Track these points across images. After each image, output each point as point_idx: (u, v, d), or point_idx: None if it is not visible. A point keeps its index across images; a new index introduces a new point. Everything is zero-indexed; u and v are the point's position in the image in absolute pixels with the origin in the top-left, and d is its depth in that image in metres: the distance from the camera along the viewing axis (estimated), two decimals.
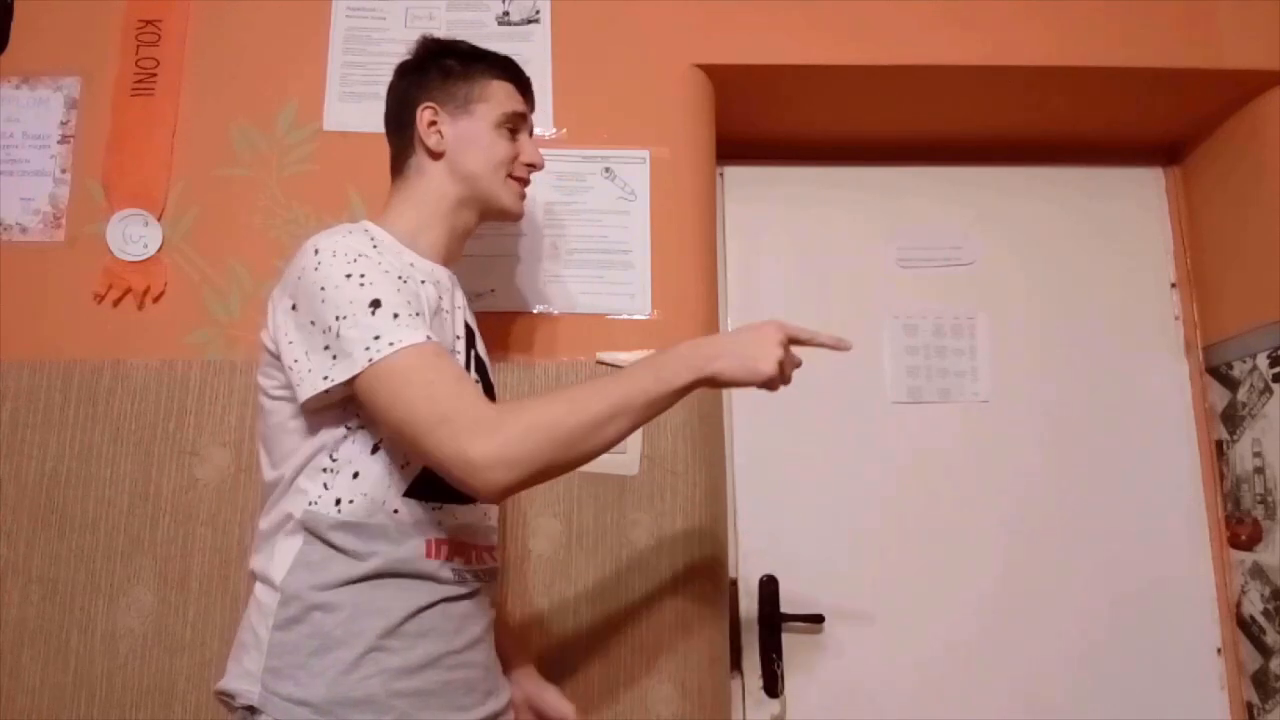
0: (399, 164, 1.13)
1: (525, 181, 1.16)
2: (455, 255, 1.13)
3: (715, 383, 0.96)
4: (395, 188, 1.13)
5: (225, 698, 0.95)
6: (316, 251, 0.95)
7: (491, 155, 1.11)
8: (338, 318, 0.91)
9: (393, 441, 0.96)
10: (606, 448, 0.92)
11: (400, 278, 0.96)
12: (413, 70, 1.15)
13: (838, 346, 1.03)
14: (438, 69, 1.12)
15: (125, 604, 1.31)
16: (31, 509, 1.33)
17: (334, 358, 0.91)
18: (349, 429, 0.96)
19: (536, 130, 1.28)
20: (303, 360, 0.93)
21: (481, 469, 0.86)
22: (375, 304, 0.91)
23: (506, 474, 0.86)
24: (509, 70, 1.16)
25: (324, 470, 0.96)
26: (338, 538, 0.94)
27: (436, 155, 1.10)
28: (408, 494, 0.97)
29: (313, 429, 0.96)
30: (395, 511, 0.96)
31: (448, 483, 0.91)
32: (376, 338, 0.89)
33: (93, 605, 1.31)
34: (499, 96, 1.12)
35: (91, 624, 1.31)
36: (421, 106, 1.10)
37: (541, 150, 1.17)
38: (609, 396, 0.91)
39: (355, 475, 0.95)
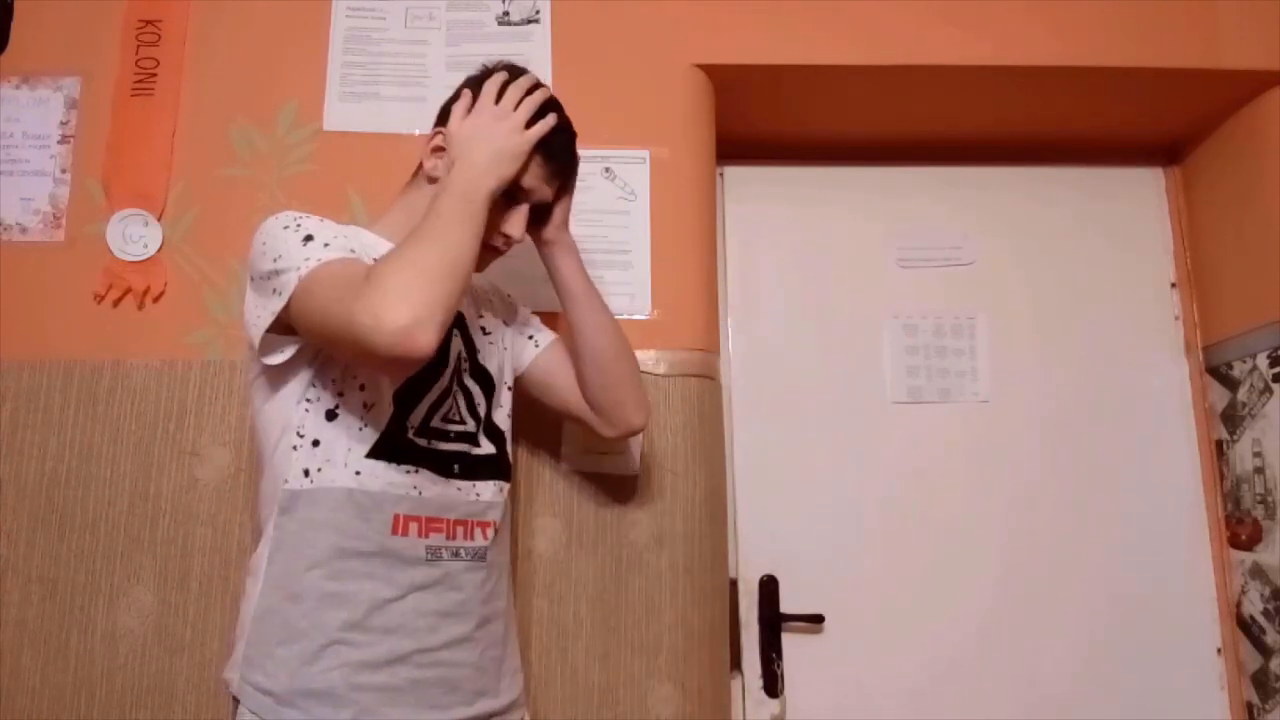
0: (416, 167, 1.11)
1: (498, 251, 1.08)
2: None
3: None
4: (400, 190, 1.12)
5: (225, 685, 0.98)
6: (263, 224, 0.98)
7: None
8: (275, 259, 0.94)
9: (349, 404, 0.97)
10: (470, 255, 0.92)
11: (343, 234, 0.97)
12: (462, 89, 1.07)
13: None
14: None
15: (125, 604, 1.31)
16: (31, 509, 1.33)
17: (275, 291, 0.93)
18: (308, 401, 0.98)
19: None
20: (253, 310, 0.96)
21: (385, 318, 0.82)
22: (308, 239, 0.94)
23: (407, 311, 0.82)
24: (543, 144, 1.02)
25: (294, 449, 0.97)
26: (305, 509, 0.95)
27: (431, 180, 1.06)
28: (371, 455, 0.97)
29: (279, 409, 0.99)
30: (358, 474, 0.96)
31: (406, 438, 0.96)
32: (306, 259, 0.92)
33: (93, 605, 1.31)
34: None
35: (91, 624, 1.30)
36: (436, 129, 1.07)
37: None
38: (441, 218, 0.92)
39: (315, 443, 0.97)
